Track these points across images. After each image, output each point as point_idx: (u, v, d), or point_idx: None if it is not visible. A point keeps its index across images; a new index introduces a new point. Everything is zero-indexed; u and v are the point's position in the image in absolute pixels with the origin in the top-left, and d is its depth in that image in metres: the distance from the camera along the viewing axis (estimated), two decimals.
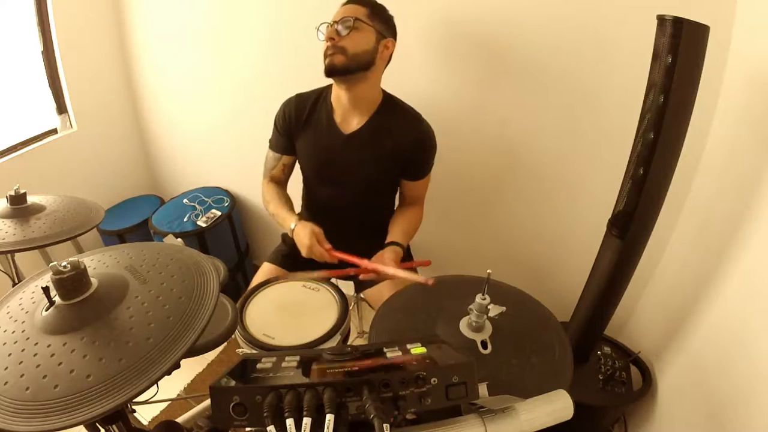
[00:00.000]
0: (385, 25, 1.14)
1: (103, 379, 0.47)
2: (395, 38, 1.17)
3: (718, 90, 1.06)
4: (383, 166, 1.24)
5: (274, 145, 1.31)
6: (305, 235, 1.13)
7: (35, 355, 0.51)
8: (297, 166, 1.36)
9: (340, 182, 1.26)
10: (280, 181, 1.35)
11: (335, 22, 1.10)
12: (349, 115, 1.21)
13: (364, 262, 1.10)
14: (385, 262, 1.09)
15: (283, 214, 1.24)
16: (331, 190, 1.29)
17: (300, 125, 1.25)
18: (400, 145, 1.20)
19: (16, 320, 0.58)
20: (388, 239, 1.22)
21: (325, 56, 1.10)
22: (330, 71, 1.10)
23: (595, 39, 1.15)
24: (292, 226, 1.18)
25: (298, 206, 1.45)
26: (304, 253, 1.14)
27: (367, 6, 1.11)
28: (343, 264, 1.13)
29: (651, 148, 0.91)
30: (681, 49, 0.81)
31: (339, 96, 1.19)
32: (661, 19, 0.83)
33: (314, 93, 1.26)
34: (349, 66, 1.09)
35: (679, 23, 0.80)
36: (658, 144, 0.90)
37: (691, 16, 0.80)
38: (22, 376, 0.49)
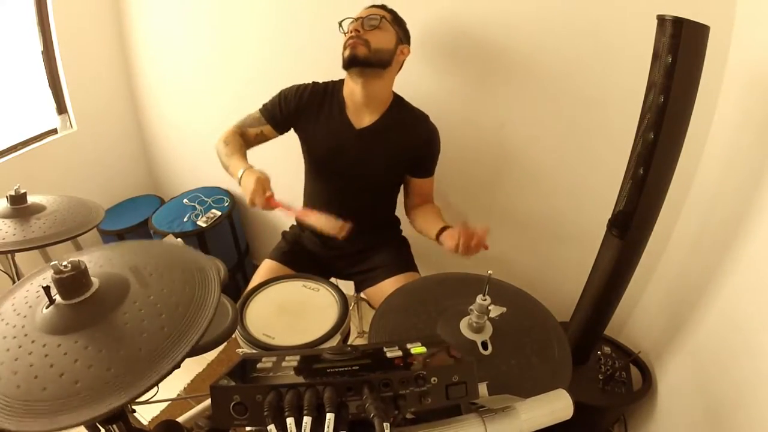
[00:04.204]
0: (403, 32, 1.18)
1: (89, 386, 0.47)
2: (409, 47, 1.20)
3: (718, 90, 1.06)
4: (392, 162, 1.25)
5: (267, 111, 1.27)
6: (250, 181, 1.07)
7: (30, 353, 0.51)
8: (295, 162, 1.35)
9: (347, 176, 1.27)
10: (247, 140, 1.30)
11: (361, 18, 1.12)
12: (360, 110, 1.22)
13: (298, 212, 1.11)
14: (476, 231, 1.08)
15: (237, 159, 1.18)
16: (337, 184, 1.29)
17: (310, 113, 1.24)
18: (410, 142, 1.22)
19: (19, 314, 0.57)
20: (440, 227, 1.16)
21: (346, 47, 1.12)
22: (351, 61, 1.11)
23: (595, 39, 1.15)
24: (240, 173, 1.12)
25: (299, 204, 1.45)
26: (248, 200, 1.08)
27: (390, 12, 1.17)
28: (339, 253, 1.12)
29: (651, 148, 0.91)
30: (681, 49, 0.81)
31: (352, 92, 1.20)
32: (661, 19, 0.83)
33: (327, 84, 1.27)
34: (370, 59, 1.11)
35: (679, 23, 0.80)
36: (658, 144, 0.90)
37: (691, 16, 0.80)
38: (15, 373, 0.49)
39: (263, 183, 1.07)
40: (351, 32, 1.12)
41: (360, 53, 1.10)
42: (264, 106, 1.30)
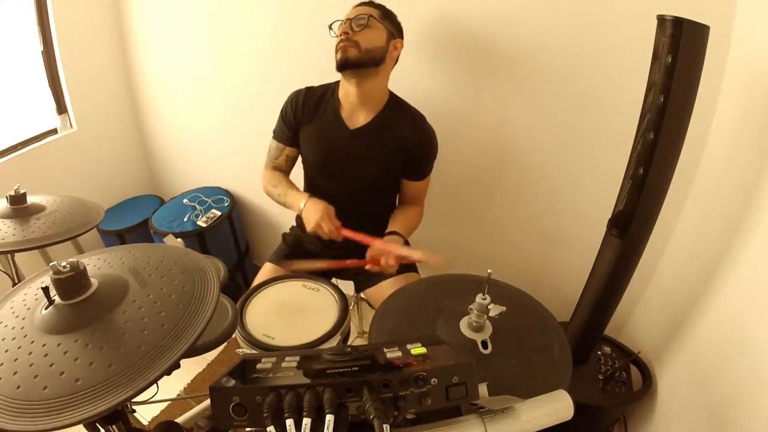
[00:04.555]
0: (394, 26, 1.18)
1: (90, 384, 0.47)
2: (403, 40, 1.20)
3: (718, 90, 1.06)
4: (386, 163, 1.24)
5: (278, 135, 1.31)
6: (316, 210, 1.14)
7: (30, 353, 0.51)
8: (297, 167, 1.36)
9: (343, 177, 1.27)
10: (282, 171, 1.35)
11: (349, 19, 1.13)
12: (356, 111, 1.22)
13: (372, 241, 1.12)
14: (387, 258, 1.10)
15: (294, 194, 1.25)
16: (333, 185, 1.29)
17: (306, 117, 1.26)
18: (403, 143, 1.22)
19: (17, 316, 0.58)
20: (388, 229, 1.23)
21: (337, 50, 1.12)
22: (343, 64, 1.12)
23: (595, 38, 1.15)
24: (303, 204, 1.19)
25: None
26: (310, 228, 1.15)
27: (378, 8, 1.17)
28: (341, 255, 1.16)
29: (651, 148, 0.91)
30: (681, 49, 0.81)
31: (347, 92, 1.20)
32: (661, 19, 0.83)
33: (322, 87, 1.28)
34: (361, 59, 1.11)
35: (679, 23, 0.80)
36: (658, 144, 0.90)
37: (691, 16, 0.80)
38: (15, 373, 0.49)
39: (329, 211, 1.15)
40: (341, 35, 1.12)
41: (351, 55, 1.10)
42: (274, 132, 1.32)
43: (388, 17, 1.17)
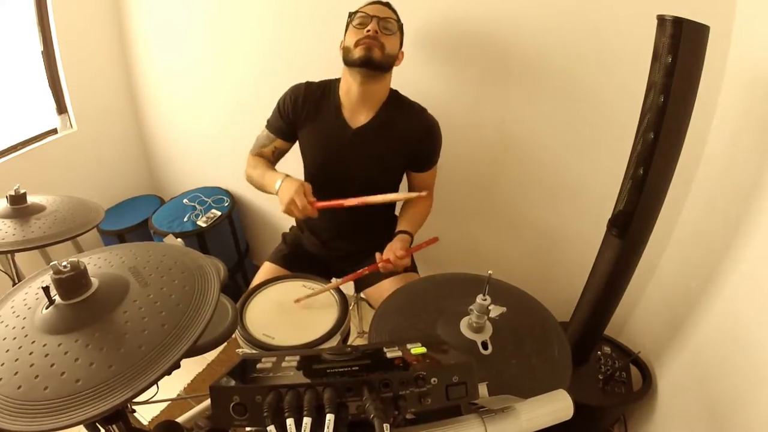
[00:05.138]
0: (402, 35, 1.20)
1: (90, 385, 0.47)
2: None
3: (718, 90, 1.06)
4: (389, 161, 1.25)
5: (271, 125, 1.30)
6: (291, 186, 1.10)
7: (31, 353, 0.51)
8: (298, 161, 1.35)
9: (345, 176, 1.26)
10: (267, 160, 1.33)
11: (378, 17, 1.11)
12: (357, 109, 1.22)
13: (348, 201, 1.10)
14: (395, 251, 1.12)
15: (271, 174, 1.21)
16: (335, 185, 1.29)
17: (305, 114, 1.24)
18: (407, 137, 1.22)
19: (18, 316, 0.58)
20: (397, 228, 1.24)
21: (358, 45, 1.10)
22: (365, 62, 1.10)
23: (595, 39, 1.15)
24: (278, 183, 1.15)
25: None
26: (283, 206, 1.10)
27: (395, 13, 1.18)
28: (340, 255, 1.13)
29: (651, 148, 0.91)
30: (681, 49, 0.81)
31: (349, 90, 1.20)
32: (661, 19, 0.83)
33: (321, 84, 1.27)
34: (382, 63, 1.12)
35: (679, 23, 0.80)
36: (658, 144, 0.90)
37: (691, 16, 0.80)
38: (16, 373, 0.49)
39: (306, 187, 1.10)
40: (368, 31, 1.10)
41: (375, 56, 1.10)
42: (268, 121, 1.31)
43: (401, 28, 1.19)
